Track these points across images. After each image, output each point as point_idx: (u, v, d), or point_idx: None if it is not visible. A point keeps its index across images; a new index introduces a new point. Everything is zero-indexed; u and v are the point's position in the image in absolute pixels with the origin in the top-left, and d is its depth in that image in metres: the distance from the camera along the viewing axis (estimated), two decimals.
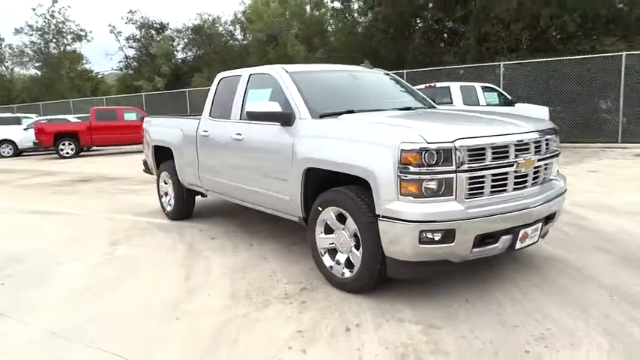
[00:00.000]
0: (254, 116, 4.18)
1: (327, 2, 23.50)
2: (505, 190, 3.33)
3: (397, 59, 18.94)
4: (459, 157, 3.09)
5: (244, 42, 27.57)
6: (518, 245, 3.40)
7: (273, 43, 23.53)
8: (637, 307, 3.20)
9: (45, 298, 3.83)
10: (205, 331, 3.14)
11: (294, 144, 3.93)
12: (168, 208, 6.43)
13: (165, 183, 6.46)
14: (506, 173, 3.31)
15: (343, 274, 3.64)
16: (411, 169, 3.07)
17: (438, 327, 3.03)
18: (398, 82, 5.33)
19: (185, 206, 6.26)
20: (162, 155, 6.49)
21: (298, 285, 3.84)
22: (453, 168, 3.09)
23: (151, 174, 7.14)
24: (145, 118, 7.11)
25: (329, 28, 24.55)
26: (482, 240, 3.23)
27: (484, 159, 3.20)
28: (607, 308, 3.21)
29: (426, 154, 3.05)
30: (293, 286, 3.83)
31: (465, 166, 3.12)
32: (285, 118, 4.09)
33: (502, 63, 14.70)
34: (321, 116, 3.99)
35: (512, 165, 3.33)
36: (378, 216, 3.22)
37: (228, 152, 4.86)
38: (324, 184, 3.83)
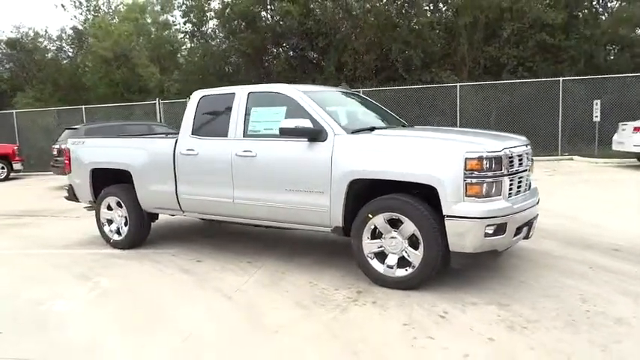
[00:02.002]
0: (286, 132, 4.30)
1: (175, 22, 22.97)
2: (520, 192, 4.12)
3: (260, 83, 19.54)
4: (504, 164, 3.78)
5: (77, 59, 25.05)
6: (530, 235, 4.22)
7: (118, 62, 21.97)
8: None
9: (77, 348, 3.35)
10: (322, 337, 3.21)
11: (334, 158, 4.18)
12: (116, 237, 5.85)
13: (110, 209, 5.88)
14: (522, 177, 4.12)
15: (395, 273, 4.00)
16: (475, 173, 3.65)
17: (507, 304, 3.62)
18: (372, 103, 5.89)
19: (143, 232, 5.79)
20: (104, 179, 5.94)
21: (350, 290, 4.07)
22: (502, 172, 3.76)
23: (77, 201, 6.38)
24: (71, 140, 6.33)
25: (180, 49, 23.93)
26: (516, 231, 3.96)
27: (513, 165, 3.94)
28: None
29: (486, 161, 3.66)
30: (346, 291, 4.04)
31: (507, 171, 3.82)
32: (316, 135, 4.30)
33: (361, 90, 16.38)
34: (352, 132, 4.33)
35: (526, 170, 4.16)
36: (446, 216, 3.71)
37: (232, 170, 4.79)
38: (360, 194, 4.17)
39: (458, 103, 15.92)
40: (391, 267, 4.03)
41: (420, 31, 17.08)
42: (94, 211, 6.04)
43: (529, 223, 4.14)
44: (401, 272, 3.99)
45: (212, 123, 5.14)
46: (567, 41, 16.40)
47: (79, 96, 23.09)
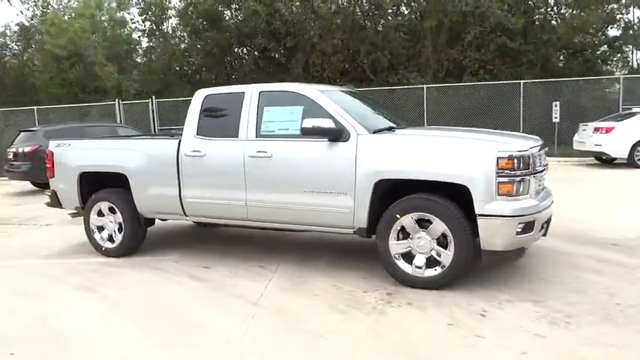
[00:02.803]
0: (309, 132, 4.19)
1: (133, 20, 22.10)
2: (540, 191, 4.21)
3: (225, 83, 19.13)
4: (531, 162, 3.84)
5: (24, 57, 23.66)
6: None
7: (71, 61, 20.92)
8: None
9: None
10: (369, 340, 3.13)
11: (358, 158, 4.11)
12: (109, 245, 5.52)
13: (101, 215, 5.54)
14: (542, 176, 4.21)
15: (424, 274, 3.98)
16: (506, 172, 3.69)
17: (540, 300, 3.68)
18: (375, 103, 5.86)
19: (139, 239, 5.50)
20: (92, 184, 5.61)
21: (379, 292, 4.01)
22: (529, 170, 3.82)
23: (60, 207, 5.98)
24: (53, 142, 5.93)
25: (138, 47, 23.08)
26: (539, 228, 4.03)
27: (535, 165, 4.02)
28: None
29: (516, 160, 3.71)
30: (376, 293, 3.98)
31: (533, 169, 3.88)
32: (338, 134, 4.22)
33: None
34: (374, 132, 4.29)
35: (544, 170, 4.25)
36: (478, 215, 3.72)
37: (244, 172, 4.62)
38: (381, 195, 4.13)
39: (425, 104, 16.23)
40: (420, 267, 4.00)
41: (385, 33, 17.30)
42: (82, 218, 5.67)
43: (548, 221, 4.23)
44: (430, 272, 3.98)
45: (219, 123, 4.94)
46: (526, 45, 17.08)
47: (26, 96, 21.81)
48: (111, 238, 5.52)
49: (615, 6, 17.62)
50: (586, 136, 12.70)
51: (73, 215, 5.99)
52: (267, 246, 5.60)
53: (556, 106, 15.08)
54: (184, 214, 5.10)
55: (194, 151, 4.88)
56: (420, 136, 4.29)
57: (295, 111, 4.55)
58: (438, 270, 3.95)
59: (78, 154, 5.65)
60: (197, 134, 4.94)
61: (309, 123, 4.17)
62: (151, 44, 21.41)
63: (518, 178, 3.73)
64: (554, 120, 15.27)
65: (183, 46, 20.99)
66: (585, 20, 16.45)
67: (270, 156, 4.50)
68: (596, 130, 12.35)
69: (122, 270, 5.00)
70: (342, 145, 4.22)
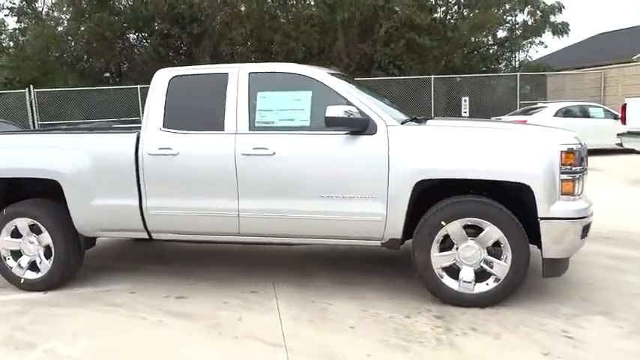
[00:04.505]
0: (334, 123, 3.36)
1: None
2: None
3: (116, 72, 17.04)
4: (585, 157, 3.42)
5: None
6: None
7: None
8: None
9: None
10: None
11: (392, 155, 3.38)
12: (30, 275, 4.13)
13: (16, 236, 4.14)
14: None
15: (474, 289, 3.39)
16: (569, 168, 3.22)
17: (608, 312, 3.28)
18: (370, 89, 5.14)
19: (76, 265, 4.19)
20: (3, 194, 4.21)
21: (423, 315, 3.33)
22: (584, 167, 3.40)
23: None
24: None
25: (2, 29, 19.60)
26: None
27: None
28: None
29: (577, 154, 3.27)
30: (422, 317, 3.30)
31: (585, 165, 3.47)
32: (363, 126, 3.45)
33: None
34: (402, 123, 3.60)
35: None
36: (541, 219, 3.21)
37: (237, 174, 3.63)
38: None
39: None
40: (468, 282, 3.39)
41: (297, 23, 16.62)
42: None
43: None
44: (481, 287, 3.39)
45: (195, 113, 3.88)
46: (431, 42, 17.52)
47: None
48: (33, 267, 4.14)
49: (508, 6, 18.83)
50: None
51: None
52: (245, 262, 4.63)
53: (465, 101, 15.65)
54: (146, 230, 3.95)
55: (162, 148, 3.76)
56: (469, 127, 3.68)
57: (302, 97, 3.68)
58: (491, 284, 3.37)
59: None
60: (164, 126, 3.82)
61: (335, 111, 3.34)
62: (22, 25, 18.28)
63: (577, 175, 3.28)
64: (463, 114, 15.83)
65: (60, 28, 18.26)
66: (485, 19, 17.31)
67: (273, 153, 3.57)
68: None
69: (61, 310, 3.71)
70: (368, 139, 3.46)
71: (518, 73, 16.86)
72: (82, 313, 3.63)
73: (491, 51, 20.14)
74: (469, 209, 3.33)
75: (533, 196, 3.20)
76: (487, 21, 17.51)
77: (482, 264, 3.38)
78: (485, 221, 3.31)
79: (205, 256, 4.89)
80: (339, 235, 3.62)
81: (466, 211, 3.33)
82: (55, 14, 18.08)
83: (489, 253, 3.37)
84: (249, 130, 3.67)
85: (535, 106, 13.91)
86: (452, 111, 16.15)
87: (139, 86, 14.77)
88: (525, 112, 13.44)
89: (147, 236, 4.00)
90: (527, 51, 20.32)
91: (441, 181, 3.38)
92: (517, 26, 20.36)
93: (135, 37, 17.45)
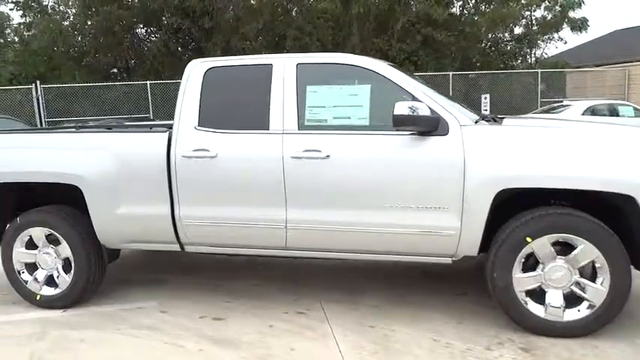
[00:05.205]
0: (402, 122, 2.90)
1: None
2: None
3: (124, 68, 16.60)
4: None
5: None
6: None
7: None
8: None
9: None
10: None
11: (467, 159, 2.91)
12: (47, 291, 3.69)
13: (32, 247, 3.70)
14: None
15: (563, 317, 2.91)
16: None
17: None
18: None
19: (98, 280, 3.73)
20: (16, 200, 3.78)
21: (505, 346, 2.87)
22: None
23: None
24: None
25: (7, 24, 19.15)
26: None
27: None
28: None
29: None
30: (507, 350, 2.83)
31: None
32: (434, 125, 2.98)
33: None
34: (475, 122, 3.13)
35: None
36: None
37: (284, 180, 3.17)
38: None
39: None
40: (557, 307, 2.92)
41: (310, 18, 16.14)
42: None
43: None
44: (573, 314, 2.91)
45: (235, 109, 3.41)
46: (449, 37, 17.02)
47: None
48: (51, 281, 3.69)
49: (524, 1, 18.29)
50: None
51: None
52: (283, 274, 4.18)
53: (486, 98, 15.14)
54: (178, 242, 3.49)
55: (197, 150, 3.29)
56: (557, 128, 3.19)
57: (359, 92, 3.21)
58: (584, 311, 2.90)
59: None
60: (199, 125, 3.35)
61: (404, 109, 2.87)
62: (27, 19, 17.82)
63: None
64: (483, 112, 15.31)
65: (66, 23, 17.78)
66: (504, 14, 16.78)
67: (327, 156, 3.10)
68: None
69: (84, 333, 3.25)
70: (439, 141, 2.99)
71: (539, 70, 16.32)
72: (108, 338, 3.18)
73: (508, 47, 19.59)
74: (562, 223, 2.85)
75: (638, 210, 2.72)
76: (506, 16, 16.97)
77: (572, 287, 2.91)
78: (579, 238, 2.83)
79: (237, 267, 4.43)
80: (403, 251, 3.15)
81: (558, 226, 2.85)
82: (62, 8, 17.59)
83: (582, 275, 2.90)
84: (299, 129, 3.21)
85: (559, 104, 13.39)
86: (471, 109, 15.63)
87: (148, 82, 14.33)
88: (549, 111, 12.93)
89: (179, 248, 3.55)
90: (545, 47, 19.77)
91: (524, 190, 2.91)
92: (535, 22, 19.83)
93: (144, 31, 16.99)
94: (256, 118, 3.28)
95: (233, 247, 3.44)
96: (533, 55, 21.18)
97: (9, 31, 20.58)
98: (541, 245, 2.88)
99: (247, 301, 3.64)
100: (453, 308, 3.42)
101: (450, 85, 15.56)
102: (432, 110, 3.00)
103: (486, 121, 3.31)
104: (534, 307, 2.95)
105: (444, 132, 2.99)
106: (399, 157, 3.03)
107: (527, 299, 2.95)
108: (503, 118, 3.71)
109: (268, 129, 3.24)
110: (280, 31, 15.82)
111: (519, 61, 20.71)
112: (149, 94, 14.13)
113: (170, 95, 14.55)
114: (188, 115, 3.38)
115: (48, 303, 3.67)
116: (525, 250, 2.91)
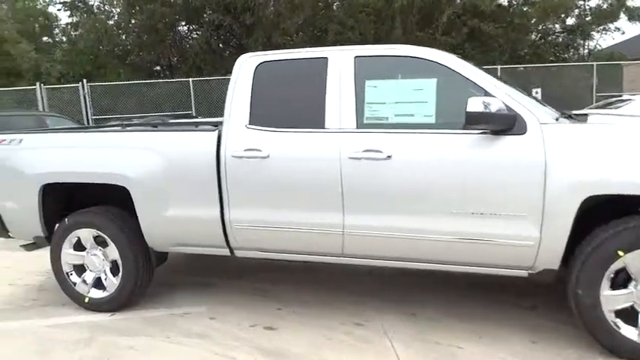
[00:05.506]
0: (476, 120, 2.62)
1: None
2: None
3: (167, 66, 16.77)
4: None
5: None
6: None
7: None
8: None
9: None
10: None
11: (549, 161, 2.59)
12: (95, 294, 3.61)
13: (80, 249, 3.61)
14: None
15: None
16: None
17: None
18: None
19: (145, 283, 3.62)
20: (65, 201, 3.70)
21: None
22: None
23: (6, 236, 3.94)
24: None
25: (55, 24, 19.74)
26: None
27: None
28: None
29: None
30: None
31: None
32: (510, 124, 2.68)
33: None
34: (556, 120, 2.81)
35: None
36: None
37: (342, 182, 2.94)
38: None
39: None
40: None
41: (352, 12, 15.81)
42: (49, 254, 3.70)
43: None
44: None
45: (288, 106, 3.20)
46: (497, 29, 16.33)
47: None
48: (99, 284, 3.61)
49: None
50: None
51: (27, 248, 3.95)
52: (334, 279, 3.96)
53: (537, 92, 14.42)
54: (228, 246, 3.32)
55: (248, 149, 3.10)
56: None
57: (424, 87, 2.94)
58: None
59: (37, 156, 3.61)
60: (250, 123, 3.16)
61: (479, 105, 2.59)
62: (74, 19, 18.27)
63: None
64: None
65: (111, 22, 18.13)
66: (557, 4, 15.97)
67: (388, 157, 2.85)
68: None
69: (132, 340, 3.13)
70: (516, 141, 2.69)
71: (594, 63, 15.41)
72: (158, 346, 3.04)
73: (559, 39, 18.66)
74: None
75: None
76: (559, 5, 16.14)
77: None
78: None
79: (285, 270, 4.23)
80: (472, 262, 2.87)
81: None
82: (106, 7, 17.94)
83: None
84: (357, 127, 2.97)
85: (617, 98, 12.57)
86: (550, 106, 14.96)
87: (190, 79, 14.37)
88: (605, 106, 12.15)
89: (228, 253, 3.38)
90: (600, 38, 18.72)
91: (613, 197, 2.57)
92: (589, 11, 18.79)
93: (185, 29, 17.09)
94: (311, 116, 3.06)
95: (286, 253, 3.24)
96: (586, 47, 20.15)
97: (57, 31, 21.21)
98: (634, 260, 2.54)
99: (298, 309, 3.45)
100: (522, 324, 3.11)
101: (498, 78, 14.92)
102: (507, 107, 2.70)
103: (568, 118, 2.97)
104: (626, 330, 2.61)
105: (522, 131, 2.68)
106: (469, 158, 2.75)
107: (617, 320, 2.62)
108: (586, 115, 3.36)
109: (324, 127, 3.01)
110: (322, 25, 15.58)
111: (571, 53, 19.73)
112: (191, 91, 14.16)
113: (211, 92, 14.57)
114: (238, 113, 3.19)
115: (96, 306, 3.59)
116: (616, 265, 2.57)
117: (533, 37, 17.80)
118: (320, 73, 3.09)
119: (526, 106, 2.74)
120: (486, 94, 2.77)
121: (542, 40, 18.03)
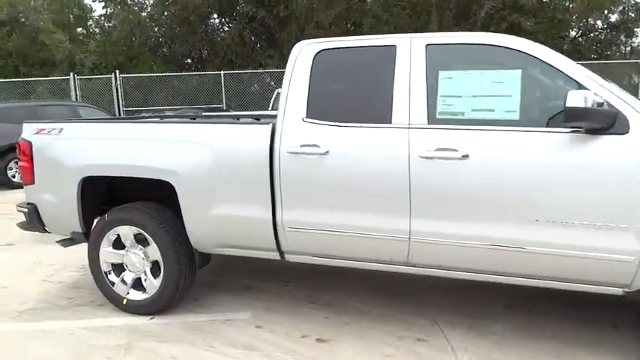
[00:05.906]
0: (575, 117, 2.29)
1: None
2: None
3: (199, 58, 16.68)
4: None
5: None
6: None
7: (10, 27, 17.57)
8: None
9: None
10: None
11: None
12: (135, 295, 3.39)
13: (119, 247, 3.41)
14: None
15: None
16: None
17: None
18: None
19: (187, 285, 3.39)
20: (105, 196, 3.50)
21: None
22: None
23: (42, 230, 3.75)
24: (29, 126, 3.66)
25: (89, 15, 19.88)
26: None
27: None
28: None
29: None
30: None
31: None
32: (610, 122, 2.35)
33: None
34: None
35: None
36: None
37: (410, 183, 2.65)
38: None
39: None
40: None
41: (387, 5, 15.43)
42: (86, 251, 3.51)
43: None
44: None
45: (350, 98, 2.92)
46: (537, 25, 15.73)
47: None
48: (138, 285, 3.39)
49: None
50: None
51: (64, 244, 3.77)
52: (389, 286, 3.66)
53: None
54: (278, 250, 3.06)
55: (305, 145, 2.83)
56: None
57: (506, 79, 2.62)
58: None
59: (77, 147, 3.42)
60: (308, 116, 2.89)
61: (579, 99, 2.25)
62: (108, 10, 18.35)
63: None
64: None
65: (144, 14, 18.14)
66: (602, 0, 15.29)
67: (464, 156, 2.54)
68: None
69: (174, 349, 2.91)
70: (615, 141, 2.35)
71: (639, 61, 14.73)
72: (201, 356, 2.81)
73: (601, 36, 17.90)
74: None
75: None
76: (603, 1, 15.43)
77: None
78: None
79: (333, 274, 3.95)
80: (557, 277, 2.54)
81: None
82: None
83: None
84: (429, 123, 2.67)
85: None
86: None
87: (222, 72, 14.24)
88: None
89: (278, 257, 3.12)
90: None
91: None
92: (633, 7, 17.97)
93: (217, 21, 16.98)
94: (376, 110, 2.77)
95: (342, 259, 2.97)
96: (629, 44, 19.31)
97: (91, 22, 21.36)
98: None
99: (351, 320, 3.17)
100: (605, 345, 2.79)
101: None
102: (607, 103, 2.36)
103: None
104: None
105: (623, 130, 2.35)
106: (559, 160, 2.42)
107: None
108: None
109: (391, 122, 2.72)
110: (356, 19, 15.25)
111: (613, 50, 18.94)
112: (222, 85, 14.04)
113: (243, 85, 14.41)
114: (295, 105, 2.92)
115: (134, 308, 3.39)
116: None
117: (573, 33, 17.08)
118: (387, 63, 2.80)
119: (629, 102, 2.40)
120: (580, 87, 2.43)
121: (583, 37, 17.30)
